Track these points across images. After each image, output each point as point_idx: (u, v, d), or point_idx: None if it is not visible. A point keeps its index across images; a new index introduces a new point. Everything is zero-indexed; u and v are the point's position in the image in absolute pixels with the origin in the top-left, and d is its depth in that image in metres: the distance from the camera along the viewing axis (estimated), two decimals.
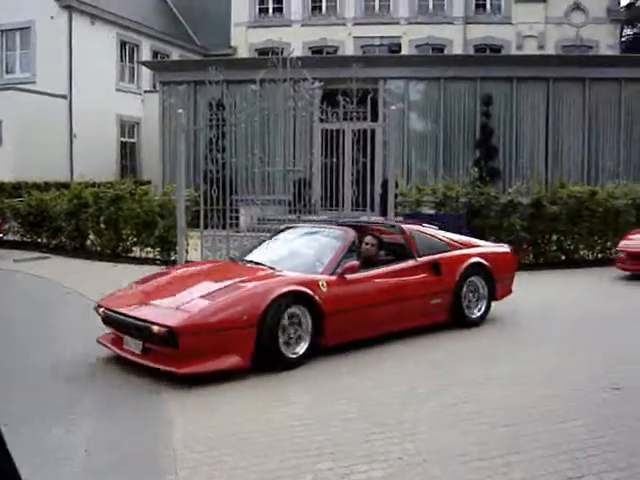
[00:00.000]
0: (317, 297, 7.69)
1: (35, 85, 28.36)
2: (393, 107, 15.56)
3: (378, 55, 29.83)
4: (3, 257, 17.12)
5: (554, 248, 15.97)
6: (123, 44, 32.80)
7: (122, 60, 32.88)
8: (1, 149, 26.58)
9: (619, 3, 36.18)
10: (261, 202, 15.79)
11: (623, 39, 38.49)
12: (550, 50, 32.02)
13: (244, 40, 34.32)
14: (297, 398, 6.50)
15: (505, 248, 10.93)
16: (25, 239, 19.05)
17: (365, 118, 15.21)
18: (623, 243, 14.27)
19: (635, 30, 41.98)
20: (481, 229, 15.28)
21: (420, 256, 9.25)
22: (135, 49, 33.67)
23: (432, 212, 15.58)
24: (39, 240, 18.81)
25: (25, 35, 29.55)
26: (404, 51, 32.15)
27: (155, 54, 34.71)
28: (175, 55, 35.71)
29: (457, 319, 9.50)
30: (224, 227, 14.09)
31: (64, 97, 28.91)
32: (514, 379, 7.07)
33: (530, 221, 15.53)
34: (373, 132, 16.96)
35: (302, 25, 33.74)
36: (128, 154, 33.21)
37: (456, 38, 32.90)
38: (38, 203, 18.55)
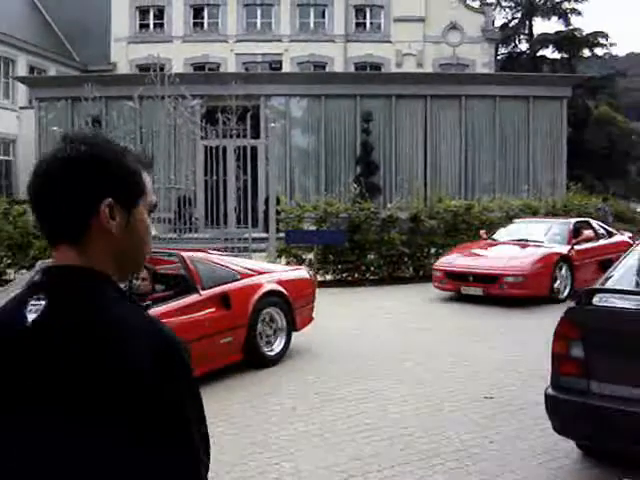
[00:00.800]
0: None
1: None
2: (273, 124, 15.65)
3: (260, 72, 29.95)
4: None
5: (432, 261, 16.29)
6: None
7: None
8: None
9: (493, 23, 37.53)
10: None
11: (498, 57, 39.93)
12: (428, 68, 32.87)
13: (124, 56, 33.80)
14: None
15: (303, 272, 10.00)
16: None
17: (245, 135, 15.24)
18: (440, 261, 13.80)
19: (509, 49, 43.58)
20: (362, 244, 15.48)
21: (205, 288, 7.90)
22: (10, 64, 32.60)
23: (313, 228, 15.66)
24: None
25: None
26: (286, 68, 32.36)
27: (32, 69, 33.69)
28: (52, 70, 34.75)
29: (253, 358, 8.27)
30: None
31: None
32: (370, 399, 7.11)
33: (409, 235, 15.81)
34: (255, 149, 17.01)
35: (183, 41, 33.53)
36: (3, 172, 32.05)
37: (337, 56, 33.35)
38: None
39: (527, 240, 13.69)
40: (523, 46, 43.56)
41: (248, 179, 15.20)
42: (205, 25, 34.55)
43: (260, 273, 8.87)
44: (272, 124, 15.64)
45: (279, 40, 33.27)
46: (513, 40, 43.08)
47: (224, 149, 15.64)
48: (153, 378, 1.39)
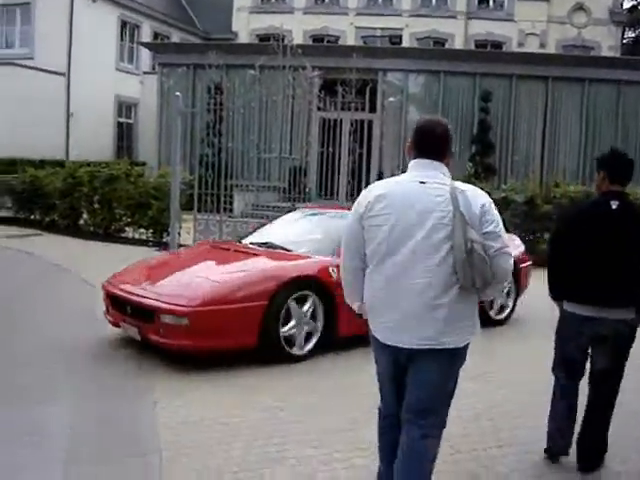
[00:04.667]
0: None
1: (33, 61, 28.18)
2: (391, 99, 15.58)
3: (379, 46, 29.77)
4: None
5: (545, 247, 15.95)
6: (124, 24, 32.64)
7: (122, 40, 32.72)
8: None
9: (622, 5, 36.18)
10: (256, 188, 15.81)
11: (624, 41, 38.49)
12: (551, 49, 32.01)
13: (245, 25, 34.22)
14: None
15: None
16: (18, 215, 19.01)
17: (363, 109, 15.22)
18: (118, 273, 8.16)
19: (636, 33, 41.99)
20: None
21: None
22: (136, 29, 33.52)
23: None
24: (32, 217, 18.77)
25: (25, 10, 29.35)
26: (405, 43, 32.09)
27: (156, 35, 34.56)
28: (176, 37, 35.56)
29: None
30: (218, 211, 14.10)
31: (62, 74, 28.79)
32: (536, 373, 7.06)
33: (523, 219, 15.54)
34: (371, 123, 16.97)
35: (304, 13, 33.65)
36: (125, 134, 33.11)
37: (458, 33, 32.85)
38: (32, 180, 18.51)
39: (273, 246, 8.47)
40: None
41: (363, 153, 15.21)
42: None
43: None
44: (390, 98, 15.58)
45: (399, 15, 32.97)
46: None
47: (340, 122, 15.70)
48: None
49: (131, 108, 33.30)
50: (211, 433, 5.26)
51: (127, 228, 16.85)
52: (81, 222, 17.63)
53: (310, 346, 7.39)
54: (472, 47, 32.26)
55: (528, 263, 10.18)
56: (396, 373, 3.78)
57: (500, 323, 9.33)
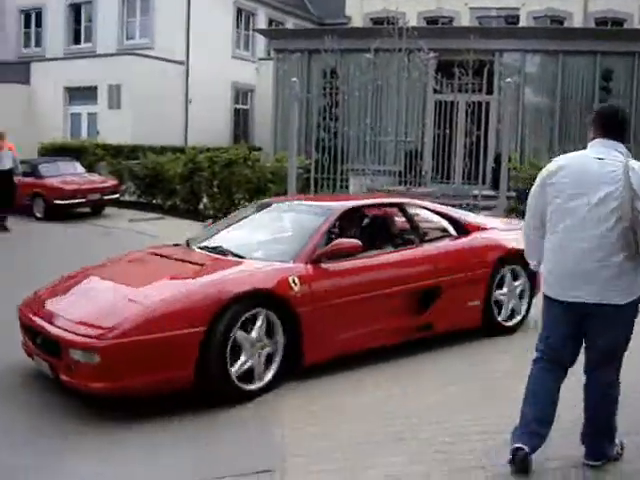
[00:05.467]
0: None
1: (153, 51, 29.00)
2: (508, 80, 15.32)
3: (494, 26, 29.18)
4: (120, 216, 17.78)
5: None
6: (239, 11, 33.17)
7: (238, 27, 33.26)
8: (120, 113, 27.37)
9: None
10: (371, 172, 15.86)
11: None
12: None
13: (359, 9, 34.16)
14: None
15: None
16: (141, 200, 19.69)
17: (480, 90, 15.05)
18: (29, 302, 6.40)
19: None
20: None
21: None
22: (251, 17, 34.00)
23: None
24: (154, 201, 19.39)
25: (145, 2, 30.18)
26: (522, 23, 31.35)
27: (270, 22, 34.96)
28: (290, 24, 35.86)
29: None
30: None
31: (181, 63, 29.50)
32: None
33: None
34: (487, 105, 16.75)
35: None
36: (241, 120, 33.69)
37: (576, 11, 31.86)
38: (154, 166, 19.12)
39: (223, 251, 6.71)
40: None
41: (481, 135, 15.03)
42: None
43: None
44: (508, 79, 15.31)
45: None
46: None
47: (456, 104, 15.56)
48: None
49: (247, 94, 33.84)
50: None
51: None
52: (201, 206, 18.10)
53: (269, 377, 5.84)
54: (591, 25, 31.25)
55: None
56: (567, 325, 4.26)
57: (508, 331, 7.61)
